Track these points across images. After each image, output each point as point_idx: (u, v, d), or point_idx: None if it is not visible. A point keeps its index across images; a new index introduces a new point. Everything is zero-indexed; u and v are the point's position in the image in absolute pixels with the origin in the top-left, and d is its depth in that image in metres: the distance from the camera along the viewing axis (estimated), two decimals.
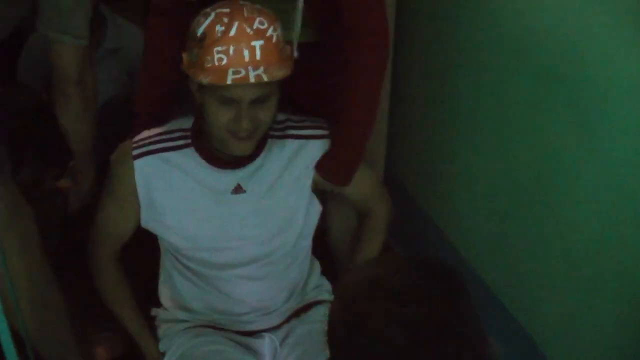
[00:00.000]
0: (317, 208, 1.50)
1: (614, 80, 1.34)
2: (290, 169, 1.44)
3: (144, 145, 1.41)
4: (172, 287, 1.54)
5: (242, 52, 1.26)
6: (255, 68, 1.25)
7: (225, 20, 1.27)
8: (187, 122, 1.45)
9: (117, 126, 2.44)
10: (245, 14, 1.28)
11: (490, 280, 1.84)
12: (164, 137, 1.42)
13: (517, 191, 1.69)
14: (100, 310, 1.60)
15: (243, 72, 1.25)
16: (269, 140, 1.43)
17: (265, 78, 1.26)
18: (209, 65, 1.27)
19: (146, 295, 1.57)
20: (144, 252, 1.54)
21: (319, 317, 1.51)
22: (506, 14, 1.64)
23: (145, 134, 1.44)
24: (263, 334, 1.52)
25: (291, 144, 1.45)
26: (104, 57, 2.29)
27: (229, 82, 1.25)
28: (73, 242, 1.62)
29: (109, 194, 1.46)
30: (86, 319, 1.73)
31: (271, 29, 1.29)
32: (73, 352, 1.60)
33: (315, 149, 1.46)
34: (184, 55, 1.33)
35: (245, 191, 1.42)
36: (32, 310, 1.50)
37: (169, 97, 1.58)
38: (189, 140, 1.41)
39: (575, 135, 1.46)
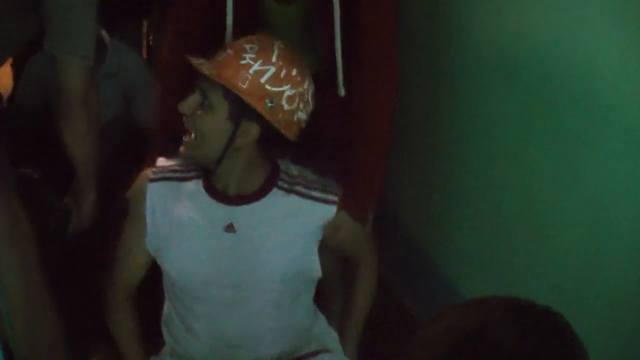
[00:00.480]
0: (314, 267, 1.45)
1: (600, 108, 1.38)
2: (288, 225, 1.40)
3: (160, 172, 1.44)
4: (168, 326, 1.54)
5: (220, 51, 1.34)
6: (210, 63, 1.32)
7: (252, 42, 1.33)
8: None
9: (115, 149, 2.50)
10: (255, 38, 1.34)
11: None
12: (180, 167, 1.45)
13: (504, 217, 1.73)
14: (93, 326, 1.62)
15: (203, 61, 1.32)
16: (274, 189, 1.41)
17: (205, 71, 1.30)
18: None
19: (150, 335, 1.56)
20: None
21: None
22: (498, 37, 1.67)
23: (166, 162, 1.47)
24: None
25: (295, 201, 1.41)
26: (102, 80, 2.34)
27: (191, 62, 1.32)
28: (71, 256, 1.63)
29: (127, 220, 1.48)
30: (79, 335, 1.74)
31: (253, 57, 1.30)
32: None
33: (322, 212, 1.42)
34: None
35: (235, 231, 1.40)
36: (26, 326, 1.51)
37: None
38: (200, 173, 1.43)
39: (559, 163, 1.50)
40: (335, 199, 1.43)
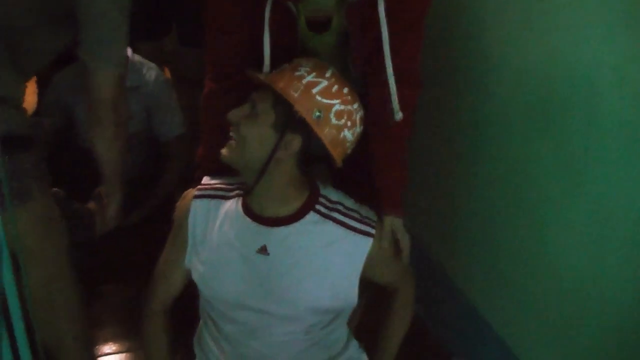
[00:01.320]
0: (351, 296, 1.41)
1: (598, 116, 1.40)
2: (323, 253, 1.37)
3: (205, 189, 1.46)
4: (200, 343, 1.56)
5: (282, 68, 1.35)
6: (267, 76, 1.35)
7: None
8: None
9: (136, 161, 2.57)
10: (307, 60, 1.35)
11: (486, 314, 1.89)
12: (224, 186, 1.47)
13: (510, 226, 1.75)
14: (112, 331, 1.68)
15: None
16: (311, 213, 1.39)
17: (260, 76, 1.34)
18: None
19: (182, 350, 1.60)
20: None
21: None
22: (503, 42, 1.69)
23: (211, 180, 1.49)
24: None
25: (333, 229, 1.38)
26: None
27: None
28: (98, 266, 1.68)
29: (170, 238, 1.50)
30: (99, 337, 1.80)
31: (308, 70, 1.32)
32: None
33: (360, 244, 1.39)
34: None
35: (268, 254, 1.38)
36: (51, 315, 1.59)
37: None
38: (242, 192, 1.43)
39: (562, 172, 1.53)
40: (373, 231, 1.40)
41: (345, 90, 1.33)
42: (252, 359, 1.46)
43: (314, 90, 1.30)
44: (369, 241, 1.40)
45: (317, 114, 1.30)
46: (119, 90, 1.51)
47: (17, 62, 1.44)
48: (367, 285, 1.45)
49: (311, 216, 1.38)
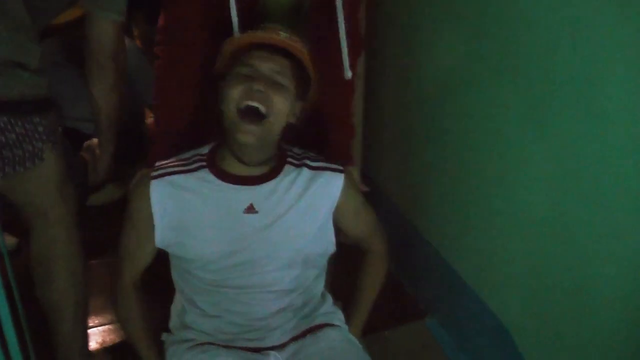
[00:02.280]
0: (330, 239, 1.50)
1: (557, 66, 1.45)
2: (305, 197, 1.44)
3: (160, 169, 1.44)
4: (180, 308, 1.57)
5: (267, 34, 1.36)
6: (277, 40, 1.34)
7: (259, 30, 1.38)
8: (205, 148, 1.48)
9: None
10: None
11: (458, 267, 1.96)
12: (180, 162, 1.45)
13: (479, 185, 1.81)
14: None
15: (267, 34, 1.35)
16: (286, 167, 1.45)
17: (289, 41, 1.33)
18: (238, 40, 1.37)
19: (160, 320, 1.62)
20: (161, 278, 1.56)
21: (329, 338, 1.51)
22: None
23: (164, 161, 1.47)
24: (268, 352, 1.51)
25: (308, 173, 1.46)
26: None
27: (249, 40, 1.34)
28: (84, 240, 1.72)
29: (128, 219, 1.47)
30: None
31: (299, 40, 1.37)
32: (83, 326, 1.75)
33: (333, 180, 1.47)
34: (218, 59, 1.41)
35: (257, 212, 1.41)
36: (65, 276, 1.64)
37: (186, 130, 1.60)
38: (204, 163, 1.43)
39: (525, 120, 1.58)
40: (341, 167, 1.48)
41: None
42: (243, 322, 1.49)
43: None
44: (341, 176, 1.47)
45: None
46: (119, 39, 1.54)
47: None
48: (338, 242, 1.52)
49: (287, 168, 1.45)
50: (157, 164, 1.46)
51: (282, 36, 1.35)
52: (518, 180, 1.65)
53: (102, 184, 2.38)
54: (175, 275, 1.55)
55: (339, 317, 1.60)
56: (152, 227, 1.43)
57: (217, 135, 1.45)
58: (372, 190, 1.64)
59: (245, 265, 1.44)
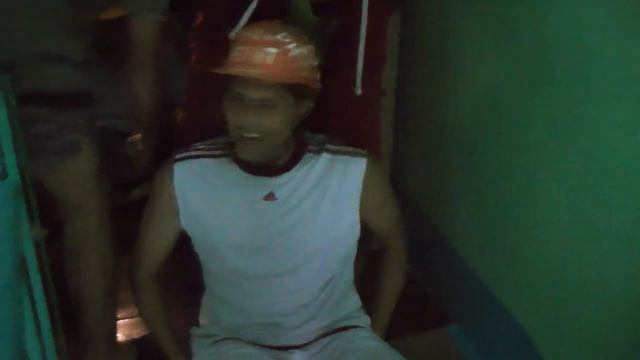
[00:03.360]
0: (356, 227, 1.48)
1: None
2: (323, 183, 1.44)
3: (185, 152, 1.47)
4: (208, 303, 1.59)
5: (255, 53, 1.32)
6: (261, 68, 1.30)
7: (255, 27, 1.37)
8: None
9: None
10: (274, 27, 1.36)
11: (483, 275, 1.95)
12: (205, 146, 1.48)
13: (506, 192, 1.81)
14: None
15: (247, 70, 1.30)
16: (306, 154, 1.45)
17: (260, 77, 1.29)
18: (227, 62, 1.34)
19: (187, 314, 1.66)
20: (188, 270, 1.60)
21: (358, 338, 1.51)
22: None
23: (190, 146, 1.49)
24: (294, 350, 1.52)
25: (328, 158, 1.45)
26: None
27: (228, 71, 1.31)
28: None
29: (149, 207, 1.49)
30: None
31: (294, 45, 1.34)
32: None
33: (353, 164, 1.45)
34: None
35: (276, 199, 1.42)
36: (100, 268, 1.70)
37: (213, 128, 1.60)
38: (227, 151, 1.45)
39: (552, 126, 1.58)
40: (364, 152, 1.47)
41: (304, 34, 1.40)
42: (267, 314, 1.49)
43: (313, 62, 1.39)
44: (364, 161, 1.45)
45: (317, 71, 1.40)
46: (160, 38, 1.58)
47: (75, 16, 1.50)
48: (364, 238, 1.52)
49: (307, 156, 1.45)
50: (182, 149, 1.48)
51: (268, 55, 1.32)
52: (541, 185, 1.64)
53: (144, 178, 2.43)
54: (202, 267, 1.56)
55: (366, 322, 1.59)
56: (174, 210, 1.45)
57: None
58: (398, 193, 1.64)
59: (266, 254, 1.45)
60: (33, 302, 1.17)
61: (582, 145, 1.49)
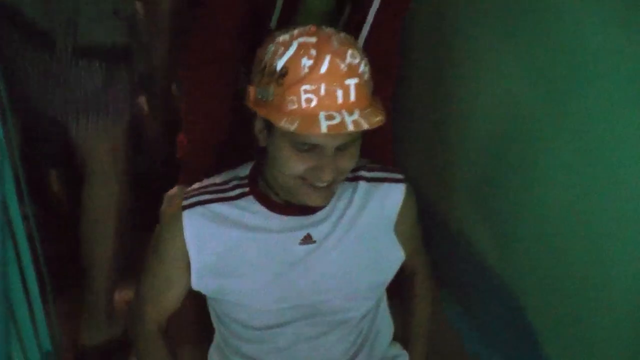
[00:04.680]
0: (399, 254, 1.33)
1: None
2: (364, 214, 1.27)
3: (194, 196, 1.25)
4: (220, 353, 1.39)
5: (335, 92, 1.07)
6: (350, 112, 1.07)
7: (313, 52, 1.07)
8: (243, 170, 1.29)
9: None
10: (336, 46, 1.09)
11: (481, 253, 1.92)
12: (217, 187, 1.26)
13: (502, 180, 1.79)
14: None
15: (338, 118, 1.06)
16: (341, 184, 1.24)
17: (365, 125, 1.07)
18: (293, 108, 1.07)
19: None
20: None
21: None
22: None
23: (197, 184, 1.29)
24: None
25: (364, 186, 1.28)
26: None
27: (323, 131, 1.04)
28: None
29: (155, 255, 1.28)
30: None
31: (363, 63, 1.11)
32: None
33: (392, 193, 1.30)
34: (251, 90, 1.15)
35: (315, 241, 1.24)
36: (115, 237, 1.75)
37: (219, 146, 1.49)
38: (247, 189, 1.25)
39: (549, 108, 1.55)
40: (402, 176, 1.32)
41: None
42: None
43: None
44: (402, 189, 1.31)
45: None
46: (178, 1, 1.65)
47: None
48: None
49: (342, 186, 1.25)
50: (190, 188, 1.29)
51: (350, 91, 1.08)
52: (539, 167, 1.62)
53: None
54: (213, 316, 1.37)
55: (403, 355, 1.44)
56: (186, 266, 1.25)
57: (255, 153, 1.28)
58: None
59: (303, 307, 1.27)
60: (19, 260, 1.21)
61: (577, 123, 1.47)
